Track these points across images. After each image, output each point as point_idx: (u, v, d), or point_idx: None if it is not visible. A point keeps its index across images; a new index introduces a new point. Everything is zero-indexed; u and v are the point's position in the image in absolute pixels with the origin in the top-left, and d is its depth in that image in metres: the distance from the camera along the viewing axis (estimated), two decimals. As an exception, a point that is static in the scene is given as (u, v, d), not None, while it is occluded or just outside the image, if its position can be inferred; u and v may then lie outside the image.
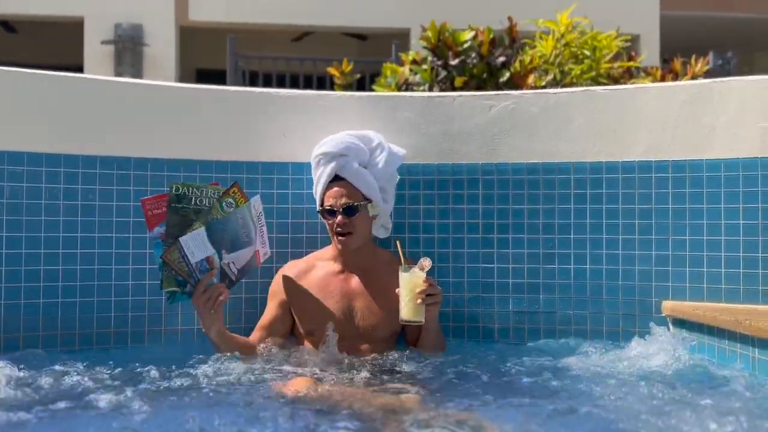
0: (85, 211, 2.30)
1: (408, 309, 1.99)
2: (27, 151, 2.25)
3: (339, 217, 2.12)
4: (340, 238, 2.14)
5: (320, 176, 2.21)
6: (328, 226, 2.18)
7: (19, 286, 2.22)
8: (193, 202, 1.99)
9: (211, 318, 1.99)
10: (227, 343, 2.05)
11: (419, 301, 1.97)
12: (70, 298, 2.27)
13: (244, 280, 2.17)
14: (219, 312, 2.01)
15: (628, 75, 4.61)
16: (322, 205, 2.20)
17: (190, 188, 1.99)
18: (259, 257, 2.10)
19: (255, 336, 2.18)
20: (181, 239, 1.93)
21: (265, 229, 2.09)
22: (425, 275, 1.99)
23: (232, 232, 2.02)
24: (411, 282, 1.99)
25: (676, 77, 4.60)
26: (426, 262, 1.99)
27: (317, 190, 2.23)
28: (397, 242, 2.08)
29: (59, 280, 2.26)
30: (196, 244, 1.95)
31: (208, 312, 1.98)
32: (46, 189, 2.27)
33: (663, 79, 4.49)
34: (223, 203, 2.00)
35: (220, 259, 2.00)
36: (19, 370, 1.89)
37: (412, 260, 2.10)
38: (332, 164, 2.18)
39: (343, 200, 2.14)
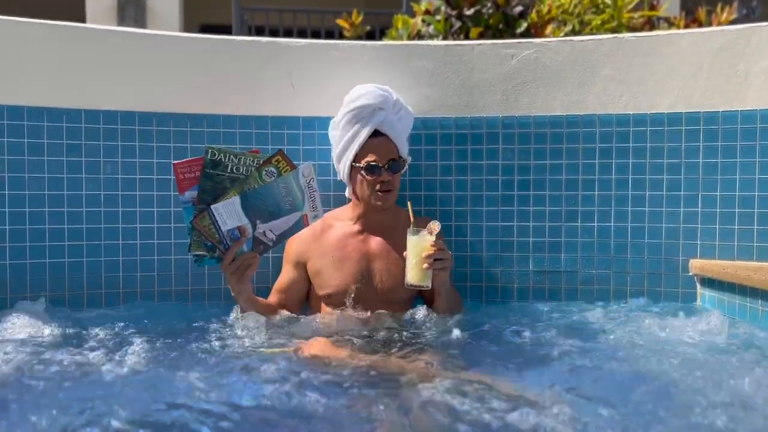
0: (90, 168, 2.22)
1: (413, 273, 1.91)
2: (27, 105, 2.16)
3: (385, 174, 2.03)
4: (381, 194, 2.04)
5: (358, 131, 2.07)
6: (366, 184, 2.06)
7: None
8: (228, 170, 1.86)
9: (240, 285, 1.92)
10: (255, 308, 1.98)
11: (426, 265, 1.88)
12: (77, 257, 2.21)
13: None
14: (247, 279, 1.93)
15: (650, 26, 4.42)
16: (356, 161, 2.07)
17: (227, 155, 1.85)
18: (307, 220, 1.96)
19: (271, 299, 2.11)
20: (212, 207, 1.83)
21: (317, 194, 1.94)
22: (434, 239, 1.89)
23: (271, 202, 1.89)
24: (418, 245, 1.90)
25: (700, 27, 4.41)
26: (435, 226, 1.90)
27: (352, 146, 2.07)
28: (409, 203, 1.99)
29: (65, 240, 2.20)
30: (228, 213, 1.85)
31: (237, 280, 1.90)
32: (47, 144, 2.18)
33: (687, 28, 4.30)
34: (263, 172, 1.87)
35: (254, 228, 1.90)
36: (37, 326, 1.87)
37: (429, 219, 2.00)
38: (374, 118, 2.06)
39: (388, 156, 2.04)
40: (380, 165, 2.03)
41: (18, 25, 2.20)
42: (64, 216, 2.19)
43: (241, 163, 1.86)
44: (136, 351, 1.72)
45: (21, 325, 1.89)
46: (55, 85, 2.21)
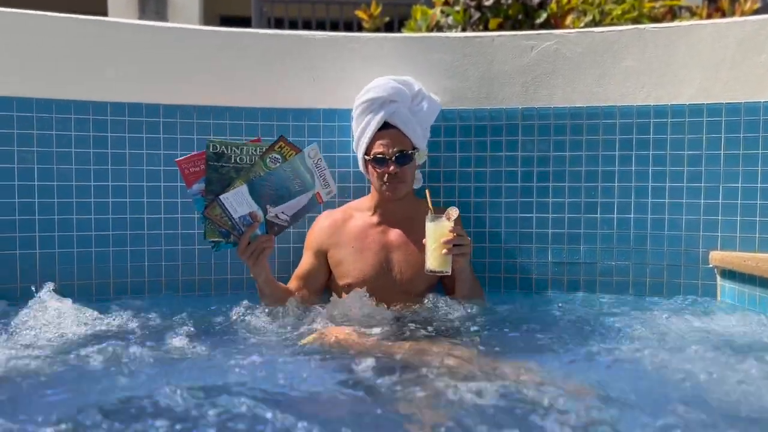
0: (115, 160, 2.26)
1: (433, 259, 1.92)
2: (55, 98, 2.21)
3: (392, 166, 2.04)
4: (389, 184, 2.06)
5: (368, 123, 2.10)
6: (375, 176, 2.09)
7: (59, 235, 2.21)
8: (232, 160, 1.88)
9: (257, 268, 1.95)
10: (273, 291, 2.02)
11: (445, 251, 1.90)
12: (103, 247, 2.26)
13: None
14: (264, 262, 1.96)
15: (672, 15, 4.37)
16: (367, 153, 2.10)
17: (229, 146, 1.87)
18: (320, 198, 1.98)
19: (291, 285, 2.14)
20: (221, 197, 1.86)
21: (326, 172, 1.96)
22: (452, 224, 1.91)
23: (280, 186, 1.92)
24: (436, 231, 1.92)
25: (723, 16, 4.35)
26: (453, 212, 1.91)
27: (363, 139, 2.11)
28: (427, 191, 2.01)
29: (92, 230, 2.25)
30: (238, 201, 1.88)
31: (253, 263, 1.94)
32: (74, 137, 2.23)
33: (710, 18, 4.25)
34: (267, 159, 1.90)
35: (265, 213, 1.93)
36: (57, 316, 1.90)
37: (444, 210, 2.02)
38: (383, 111, 2.08)
39: (395, 148, 2.05)
40: (387, 157, 2.05)
41: (48, 19, 2.24)
42: (90, 206, 2.24)
43: (244, 153, 1.88)
44: (168, 340, 1.76)
45: (51, 314, 1.93)
46: (81, 79, 2.26)
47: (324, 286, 2.18)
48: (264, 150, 1.90)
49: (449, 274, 1.95)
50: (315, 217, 2.23)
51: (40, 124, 2.20)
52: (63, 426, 1.24)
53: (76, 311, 1.93)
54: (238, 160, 1.88)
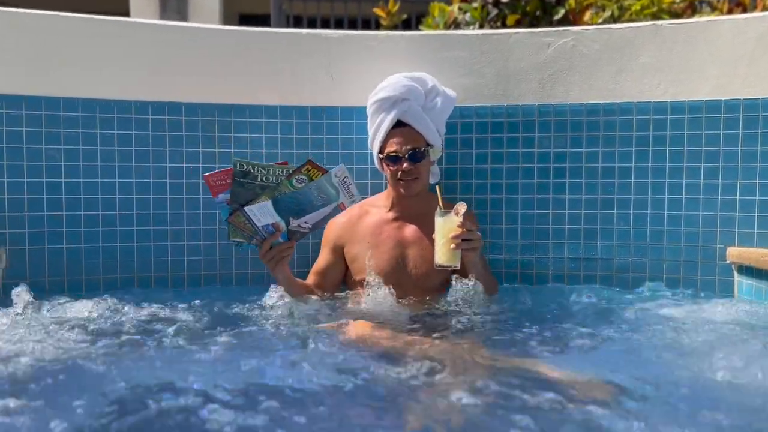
0: (139, 157, 2.32)
1: (441, 253, 1.95)
2: (81, 97, 2.26)
3: (405, 164, 2.07)
4: (403, 182, 2.09)
5: (381, 122, 2.14)
6: (389, 173, 2.13)
7: (80, 230, 2.28)
8: (258, 179, 1.90)
9: (277, 271, 2.01)
10: (292, 289, 2.07)
11: (453, 245, 1.92)
12: (127, 242, 2.32)
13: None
14: (284, 265, 2.02)
15: (692, 10, 4.33)
16: (381, 152, 2.14)
17: (255, 167, 1.89)
18: (343, 207, 1.99)
19: (309, 280, 2.19)
20: (245, 208, 1.90)
21: (352, 186, 1.95)
22: (460, 220, 1.93)
23: (304, 202, 1.94)
24: (445, 227, 1.94)
25: (744, 11, 4.30)
26: (461, 207, 1.94)
27: (377, 137, 2.15)
28: (438, 187, 2.03)
29: (117, 225, 2.31)
30: (261, 213, 1.92)
31: (273, 267, 2.00)
32: (100, 135, 2.29)
33: (730, 12, 4.20)
34: (293, 180, 1.91)
35: (287, 224, 1.97)
36: (84, 308, 1.95)
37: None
38: (395, 109, 2.11)
39: (408, 146, 2.08)
40: (400, 155, 2.08)
41: (74, 20, 2.30)
42: (115, 203, 2.30)
43: (270, 173, 1.89)
44: (189, 331, 1.81)
45: (77, 307, 1.99)
46: (106, 79, 2.32)
47: (341, 280, 2.22)
48: (291, 171, 1.90)
49: (458, 268, 1.97)
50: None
51: (67, 122, 2.26)
52: (96, 414, 1.29)
53: (101, 304, 1.99)
54: (263, 179, 1.90)
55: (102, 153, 2.29)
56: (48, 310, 1.93)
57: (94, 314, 1.92)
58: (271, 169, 1.90)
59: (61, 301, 1.99)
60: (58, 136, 2.25)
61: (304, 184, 1.91)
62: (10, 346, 1.64)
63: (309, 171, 1.90)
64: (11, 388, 1.42)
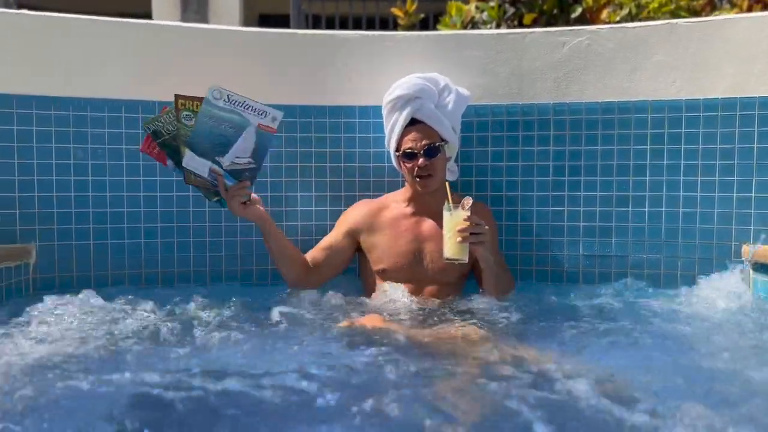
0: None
1: (449, 247, 1.99)
2: (107, 98, 2.34)
3: (420, 160, 2.12)
4: (420, 180, 2.13)
5: (395, 121, 2.19)
6: (406, 170, 2.17)
7: (106, 227, 2.36)
8: (164, 132, 1.99)
9: (245, 212, 2.05)
10: (278, 244, 2.13)
11: (460, 239, 1.96)
12: (151, 238, 2.39)
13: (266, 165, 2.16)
14: (251, 210, 2.05)
15: (711, 7, 4.31)
16: (398, 150, 2.18)
17: (155, 121, 1.97)
18: (268, 128, 1.96)
19: (310, 254, 2.23)
20: (183, 165, 1.98)
21: (250, 102, 1.93)
22: (467, 213, 1.97)
23: (211, 137, 1.94)
24: (452, 220, 1.98)
25: (765, 7, 4.27)
26: (467, 201, 1.98)
27: (392, 136, 2.20)
28: (447, 183, 2.07)
29: (141, 222, 2.38)
30: (195, 164, 1.97)
31: (236, 209, 2.03)
32: (125, 134, 2.36)
33: (750, 9, 4.18)
34: (182, 120, 1.94)
35: (220, 165, 1.99)
36: (111, 303, 2.02)
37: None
38: (408, 107, 2.16)
39: (423, 142, 2.13)
40: (416, 151, 2.12)
41: (95, 23, 2.37)
42: (139, 200, 2.37)
43: (166, 121, 1.97)
44: (210, 325, 1.87)
45: (101, 302, 2.05)
46: (133, 79, 2.39)
47: (343, 267, 2.25)
48: (173, 113, 1.96)
49: (466, 261, 2.00)
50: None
51: (94, 122, 2.33)
52: (124, 405, 1.35)
53: (125, 299, 2.05)
54: (166, 131, 1.98)
55: (127, 152, 2.36)
56: (73, 305, 1.98)
57: (122, 309, 1.98)
58: (162, 117, 1.97)
59: (87, 296, 2.05)
60: (86, 136, 2.33)
61: (193, 120, 1.93)
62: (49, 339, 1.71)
63: (185, 105, 1.93)
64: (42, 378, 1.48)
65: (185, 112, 1.93)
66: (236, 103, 1.92)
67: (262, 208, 2.09)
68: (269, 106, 1.95)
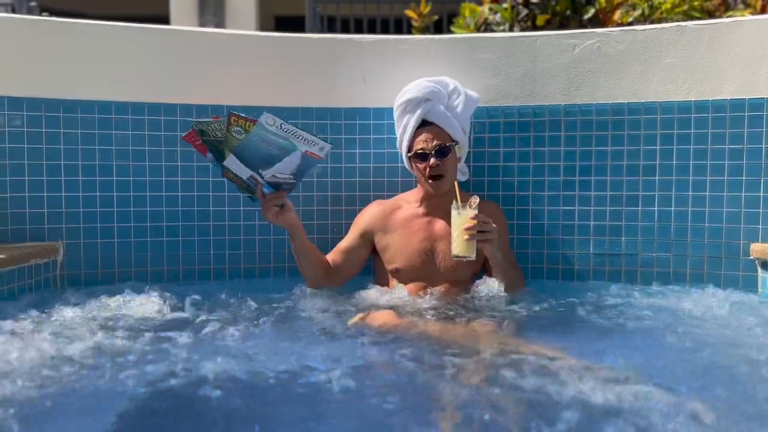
0: (184, 157, 2.46)
1: (456, 244, 2.04)
2: (131, 101, 2.42)
3: (432, 160, 2.17)
4: (432, 181, 2.19)
5: (407, 123, 2.25)
6: (418, 171, 2.23)
7: (129, 226, 2.44)
8: (212, 135, 2.04)
9: (278, 220, 2.11)
10: (305, 250, 2.18)
11: (467, 237, 2.01)
12: (173, 237, 2.47)
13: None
14: (282, 216, 2.10)
15: (724, 7, 4.31)
16: (410, 151, 2.24)
17: (203, 124, 2.03)
18: (315, 154, 2.02)
19: (330, 257, 2.29)
20: (224, 163, 2.04)
21: (300, 132, 1.98)
22: (474, 212, 2.02)
23: (259, 153, 2.01)
24: (460, 219, 2.04)
25: (779, 8, 4.26)
26: (473, 200, 2.03)
27: (404, 137, 2.26)
28: (456, 182, 2.11)
29: (163, 221, 2.45)
30: (236, 167, 2.04)
31: (271, 216, 2.09)
32: (148, 136, 2.44)
33: (764, 9, 4.18)
34: (233, 132, 2.01)
35: (261, 176, 2.06)
36: (130, 298, 2.09)
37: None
38: (419, 109, 2.22)
39: (435, 142, 2.18)
40: (427, 152, 2.18)
41: (113, 29, 2.46)
42: (162, 199, 2.45)
43: (216, 128, 2.02)
44: (228, 321, 1.93)
45: (125, 298, 2.13)
46: (154, 83, 2.47)
47: (360, 267, 2.31)
48: (225, 125, 2.01)
49: (473, 259, 2.05)
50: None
51: (118, 124, 2.42)
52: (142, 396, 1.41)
53: (151, 296, 2.12)
54: (215, 135, 2.03)
55: (150, 153, 2.44)
56: (98, 301, 2.06)
57: (148, 306, 2.05)
58: (213, 124, 2.02)
59: (111, 293, 2.13)
60: (110, 138, 2.41)
61: (243, 135, 1.99)
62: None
63: (237, 122, 1.99)
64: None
65: (236, 128, 2.00)
66: (287, 131, 1.98)
67: (293, 213, 2.15)
68: (320, 137, 2.01)
